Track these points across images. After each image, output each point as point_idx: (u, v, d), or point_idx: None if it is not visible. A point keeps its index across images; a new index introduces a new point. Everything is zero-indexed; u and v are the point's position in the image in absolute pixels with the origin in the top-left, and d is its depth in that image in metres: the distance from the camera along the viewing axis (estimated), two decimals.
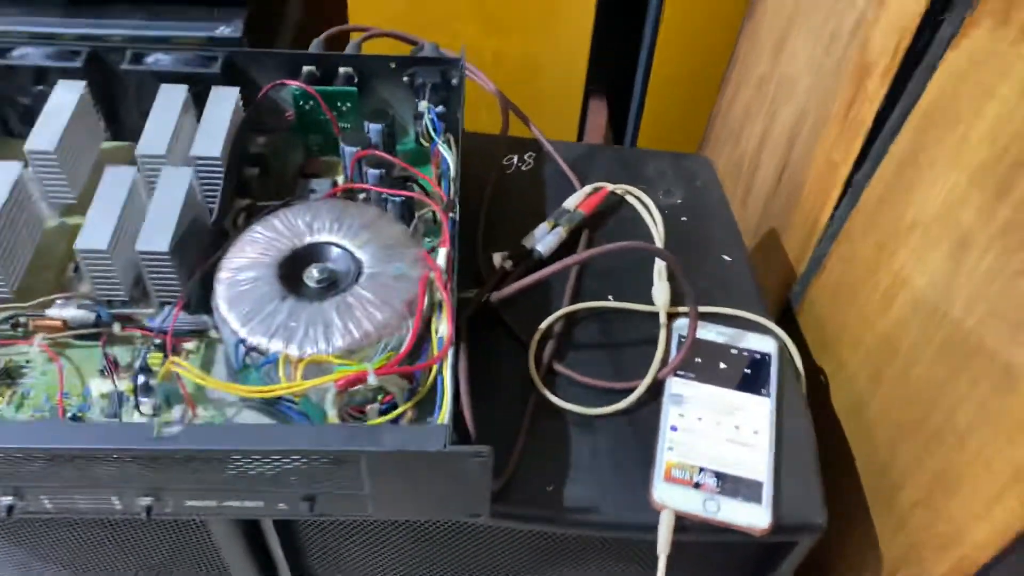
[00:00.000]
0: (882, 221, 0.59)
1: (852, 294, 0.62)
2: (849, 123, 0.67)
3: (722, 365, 0.57)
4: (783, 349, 0.59)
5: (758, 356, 0.57)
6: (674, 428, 0.53)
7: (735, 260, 0.65)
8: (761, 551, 0.55)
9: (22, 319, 0.53)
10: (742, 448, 0.53)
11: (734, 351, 0.58)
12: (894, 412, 0.56)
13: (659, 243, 0.65)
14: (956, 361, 0.49)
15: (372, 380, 0.46)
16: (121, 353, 0.53)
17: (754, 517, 0.50)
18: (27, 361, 0.53)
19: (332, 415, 0.47)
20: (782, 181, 0.80)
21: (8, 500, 0.46)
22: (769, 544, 0.53)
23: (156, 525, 0.58)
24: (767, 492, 0.51)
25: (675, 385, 0.55)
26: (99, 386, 0.52)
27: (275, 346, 0.48)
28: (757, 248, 0.82)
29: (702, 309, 0.60)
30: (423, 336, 0.51)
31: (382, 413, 0.49)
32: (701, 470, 0.51)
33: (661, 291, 0.60)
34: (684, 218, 0.67)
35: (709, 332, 0.58)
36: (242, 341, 0.48)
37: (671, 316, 0.59)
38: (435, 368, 0.49)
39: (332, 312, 0.49)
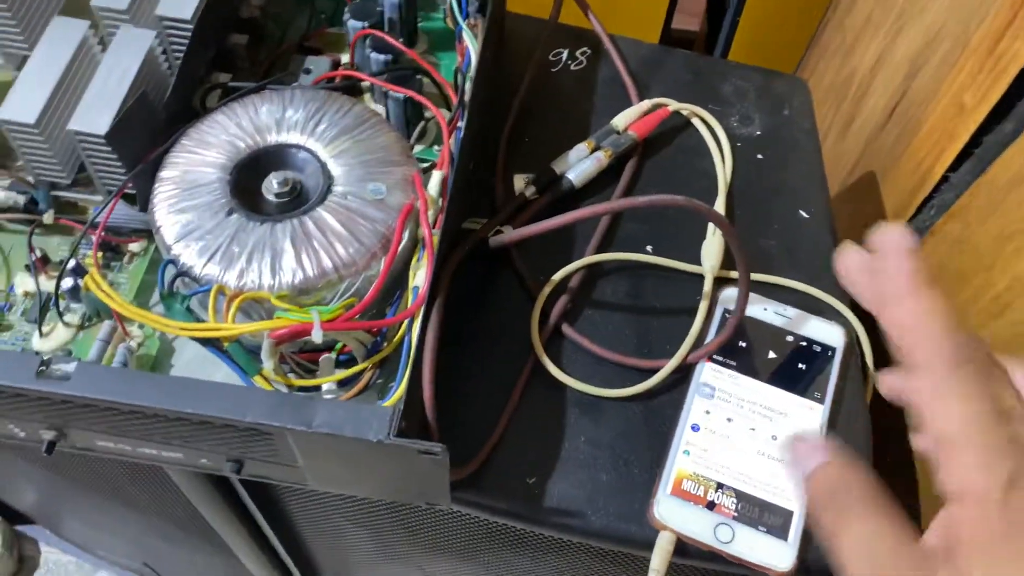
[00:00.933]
0: (1011, 206, 0.45)
1: (956, 287, 0.49)
2: (994, 59, 0.51)
3: (771, 354, 0.45)
4: (852, 343, 0.47)
5: (818, 349, 0.46)
6: (695, 427, 0.43)
7: (814, 218, 0.52)
8: None
9: None
10: (776, 465, 0.42)
11: (790, 338, 0.46)
12: None
13: (723, 183, 0.52)
14: None
15: (317, 336, 0.37)
16: (58, 247, 0.45)
17: (775, 555, 0.40)
18: None
19: (268, 367, 0.38)
20: (894, 116, 0.65)
21: None
22: None
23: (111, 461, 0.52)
24: (796, 526, 0.41)
25: (707, 373, 0.44)
26: (24, 283, 0.44)
27: (210, 271, 0.39)
28: (846, 194, 0.68)
29: (760, 278, 0.48)
30: (397, 281, 0.41)
31: (339, 366, 0.40)
32: (719, 487, 0.41)
33: (712, 249, 0.48)
34: (760, 155, 0.54)
35: (763, 310, 0.47)
36: (172, 261, 0.39)
37: (719, 282, 0.48)
38: (404, 324, 0.39)
39: (286, 238, 0.39)
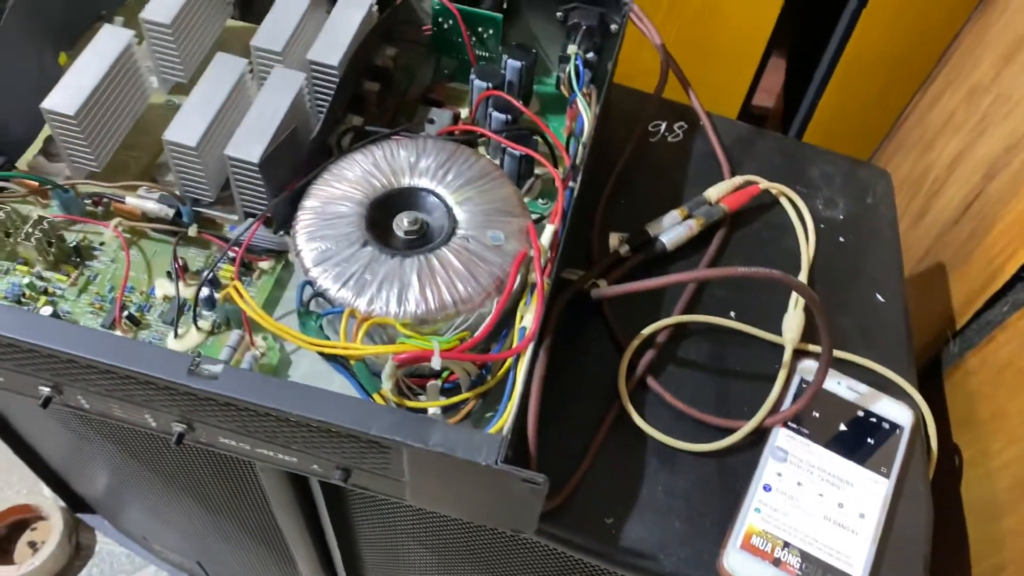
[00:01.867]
0: None
1: (1021, 383, 0.52)
2: None
3: (842, 427, 0.48)
4: (919, 422, 0.49)
5: (887, 426, 0.49)
6: (767, 488, 0.46)
7: (890, 302, 0.55)
8: None
9: (103, 198, 0.51)
10: (841, 531, 0.45)
11: (861, 413, 0.49)
12: None
13: (806, 262, 0.55)
14: None
15: (436, 363, 0.40)
16: (195, 257, 0.50)
17: None
18: (101, 244, 0.50)
19: (386, 388, 0.42)
20: (968, 213, 0.68)
21: (47, 391, 0.44)
22: None
23: (209, 457, 0.56)
24: None
25: (782, 437, 0.47)
26: (164, 287, 0.48)
27: (343, 296, 0.43)
28: (915, 281, 0.71)
29: (836, 354, 0.51)
30: (506, 320, 0.45)
31: (444, 393, 0.44)
32: (786, 545, 0.44)
33: (793, 322, 0.51)
34: (842, 239, 0.58)
35: (838, 384, 0.50)
36: (310, 282, 0.43)
37: (798, 354, 0.51)
38: (509, 361, 0.43)
39: (412, 273, 0.43)
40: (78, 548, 1.00)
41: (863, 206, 0.60)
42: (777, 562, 0.43)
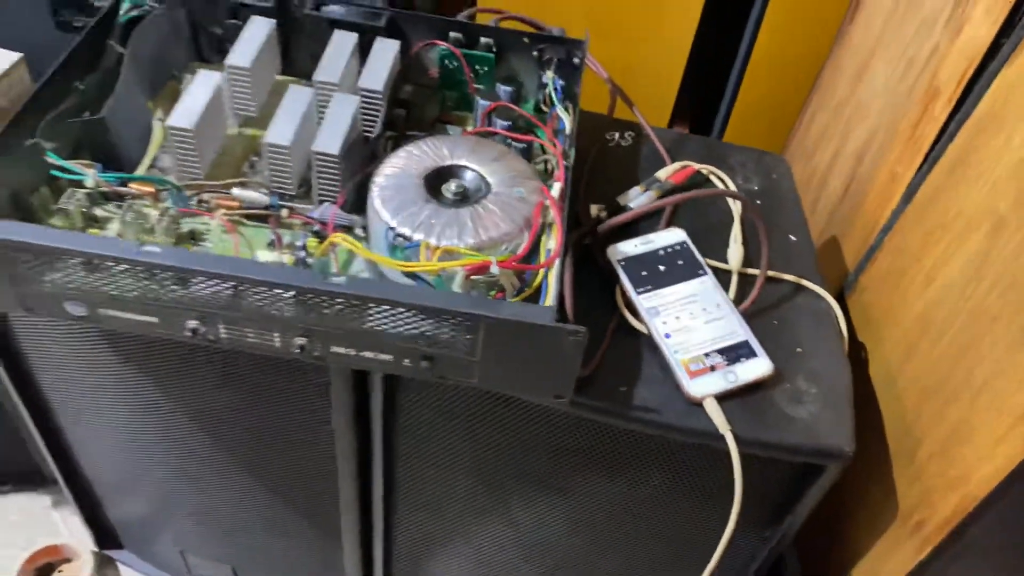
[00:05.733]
0: (931, 214, 0.68)
1: (897, 280, 0.71)
2: (914, 140, 0.76)
3: (661, 268, 0.67)
4: (830, 310, 0.68)
5: (677, 247, 0.69)
6: (668, 336, 0.63)
7: (800, 240, 0.74)
8: (792, 475, 0.64)
9: (206, 197, 0.66)
10: (719, 323, 0.64)
11: (654, 252, 0.68)
12: (921, 379, 0.65)
13: (737, 215, 0.75)
14: (979, 329, 0.58)
15: (494, 269, 0.57)
16: (283, 235, 0.65)
17: (760, 368, 0.62)
18: (207, 230, 0.65)
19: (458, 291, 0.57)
20: (848, 193, 0.89)
21: (193, 324, 0.57)
22: (800, 467, 0.62)
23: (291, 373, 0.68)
24: (756, 345, 0.63)
25: (644, 302, 0.65)
26: (266, 256, 0.63)
27: (418, 235, 0.59)
28: (820, 251, 0.91)
29: (769, 274, 0.70)
30: (534, 250, 0.62)
31: None
32: (707, 355, 0.62)
33: (736, 252, 0.70)
34: (759, 201, 0.77)
35: (627, 246, 0.69)
36: (392, 228, 0.59)
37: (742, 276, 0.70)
38: (541, 273, 0.60)
39: (466, 216, 0.60)
40: None
41: (770, 181, 0.80)
42: (713, 368, 0.61)
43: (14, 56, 0.83)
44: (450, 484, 0.73)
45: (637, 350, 0.64)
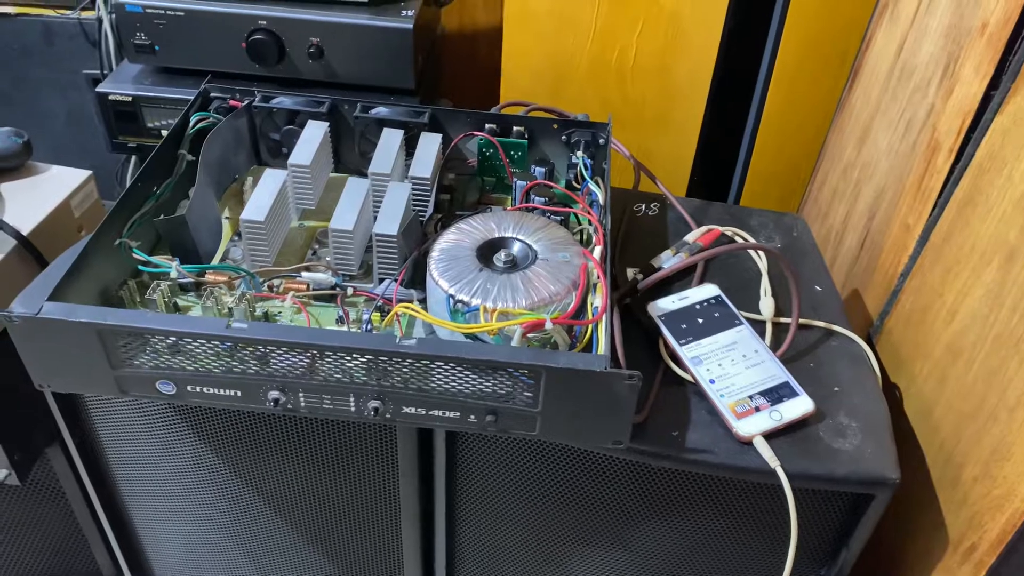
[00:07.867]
0: (947, 253, 0.73)
1: (922, 317, 0.76)
2: (921, 192, 0.82)
3: (699, 321, 0.72)
4: (864, 354, 0.72)
5: (712, 301, 0.74)
6: (712, 381, 0.67)
7: (825, 290, 0.79)
8: (843, 508, 0.66)
9: (276, 282, 0.72)
10: (759, 367, 0.68)
11: (691, 306, 0.73)
12: (956, 405, 0.69)
13: (764, 270, 0.80)
14: (1006, 351, 0.62)
15: (549, 325, 0.62)
16: (349, 313, 0.71)
17: (801, 406, 0.66)
18: (280, 312, 0.70)
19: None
20: (864, 248, 0.94)
21: (275, 394, 0.62)
22: (850, 500, 0.65)
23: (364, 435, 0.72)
24: (795, 385, 0.67)
25: (687, 352, 0.70)
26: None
27: (476, 300, 0.64)
28: (844, 303, 0.96)
29: (801, 321, 0.74)
30: (581, 307, 0.67)
31: None
32: (751, 397, 0.66)
33: (768, 304, 0.75)
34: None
35: (666, 303, 0.74)
36: (451, 296, 0.65)
37: (775, 325, 0.74)
38: (590, 329, 0.64)
39: (517, 281, 0.66)
40: None
41: (791, 238, 0.85)
42: (757, 408, 0.65)
43: (84, 173, 0.91)
44: (509, 537, 0.75)
45: (684, 397, 0.68)
